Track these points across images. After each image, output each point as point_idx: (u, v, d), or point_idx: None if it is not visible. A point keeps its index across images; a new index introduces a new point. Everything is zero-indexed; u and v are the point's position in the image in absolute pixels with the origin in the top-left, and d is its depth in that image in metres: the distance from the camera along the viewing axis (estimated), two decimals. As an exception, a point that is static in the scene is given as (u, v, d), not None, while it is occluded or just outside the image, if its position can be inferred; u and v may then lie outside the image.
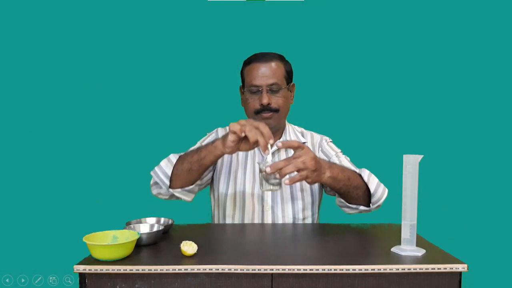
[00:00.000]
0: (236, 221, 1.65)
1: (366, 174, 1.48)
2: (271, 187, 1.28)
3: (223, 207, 1.68)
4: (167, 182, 1.46)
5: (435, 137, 2.30)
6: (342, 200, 1.51)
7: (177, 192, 1.49)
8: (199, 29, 2.21)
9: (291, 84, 1.68)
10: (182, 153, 1.50)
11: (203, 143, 1.59)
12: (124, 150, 2.28)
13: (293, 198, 1.65)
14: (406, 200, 1.18)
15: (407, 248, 1.19)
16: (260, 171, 1.30)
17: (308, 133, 1.79)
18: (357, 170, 1.50)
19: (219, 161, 1.70)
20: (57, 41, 2.17)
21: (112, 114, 2.27)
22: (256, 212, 1.64)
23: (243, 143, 1.31)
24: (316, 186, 1.69)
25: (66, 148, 2.26)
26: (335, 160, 1.65)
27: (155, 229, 1.33)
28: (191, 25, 2.21)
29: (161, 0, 2.17)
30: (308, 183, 1.31)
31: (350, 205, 1.50)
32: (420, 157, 1.17)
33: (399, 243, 1.23)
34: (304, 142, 1.71)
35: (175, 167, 1.46)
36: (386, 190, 1.50)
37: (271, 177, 1.28)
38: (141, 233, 1.23)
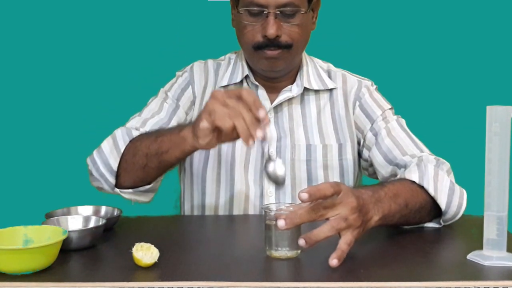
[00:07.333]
0: (221, 212, 1.37)
1: (430, 180, 1.12)
2: (284, 252, 0.94)
3: (199, 189, 1.39)
4: (112, 180, 1.23)
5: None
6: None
7: (127, 194, 1.25)
8: (199, 29, 2.24)
9: (315, 0, 1.31)
10: (134, 132, 1.25)
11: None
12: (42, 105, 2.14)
13: (310, 179, 1.33)
14: (492, 179, 0.96)
15: (493, 254, 0.99)
16: (267, 226, 0.95)
17: (338, 72, 1.40)
18: (417, 176, 1.13)
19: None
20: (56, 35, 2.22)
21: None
22: (251, 199, 1.34)
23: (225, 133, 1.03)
24: (349, 160, 1.36)
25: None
26: (380, 126, 1.31)
27: (92, 224, 1.15)
28: (191, 25, 2.23)
29: (160, 0, 2.26)
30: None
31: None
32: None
33: (480, 247, 1.04)
34: (331, 89, 1.35)
35: (123, 159, 1.21)
36: (465, 196, 1.16)
37: (284, 236, 0.94)
38: (69, 231, 1.05)
